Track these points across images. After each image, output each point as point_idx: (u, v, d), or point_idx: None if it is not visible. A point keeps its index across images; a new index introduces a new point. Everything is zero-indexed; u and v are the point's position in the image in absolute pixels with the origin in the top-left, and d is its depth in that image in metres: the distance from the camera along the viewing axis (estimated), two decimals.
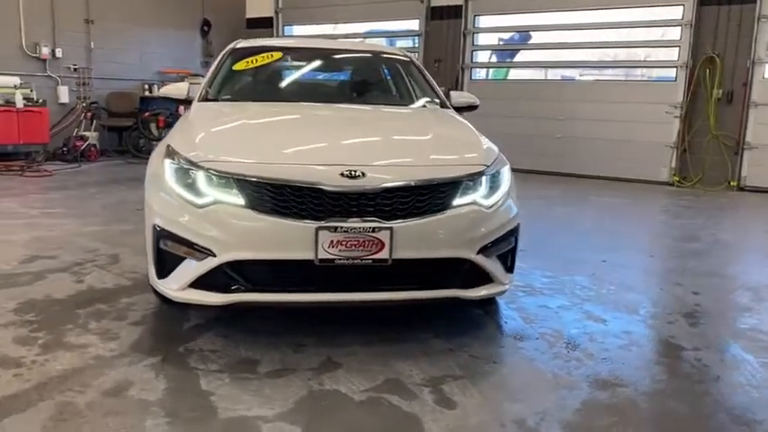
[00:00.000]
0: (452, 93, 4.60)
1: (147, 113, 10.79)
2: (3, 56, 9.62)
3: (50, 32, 10.22)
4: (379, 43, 11.96)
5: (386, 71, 4.76)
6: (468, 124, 3.84)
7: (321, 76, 4.69)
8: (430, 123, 3.78)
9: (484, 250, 3.06)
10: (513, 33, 11.09)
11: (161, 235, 2.97)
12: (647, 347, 3.21)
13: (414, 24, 11.50)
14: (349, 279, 2.89)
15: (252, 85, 4.43)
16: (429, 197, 2.93)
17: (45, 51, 10.13)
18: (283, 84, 4.54)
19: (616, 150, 9.78)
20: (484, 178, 3.13)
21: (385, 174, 2.91)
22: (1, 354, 2.86)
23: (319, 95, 4.33)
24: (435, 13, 11.19)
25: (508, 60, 11.31)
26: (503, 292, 3.26)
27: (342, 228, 2.78)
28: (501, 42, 11.16)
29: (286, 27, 13.11)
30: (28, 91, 9.52)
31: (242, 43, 4.70)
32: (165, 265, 2.99)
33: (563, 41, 10.43)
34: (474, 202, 3.05)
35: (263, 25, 13.14)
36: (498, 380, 2.80)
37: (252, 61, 4.49)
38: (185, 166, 2.96)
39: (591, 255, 4.99)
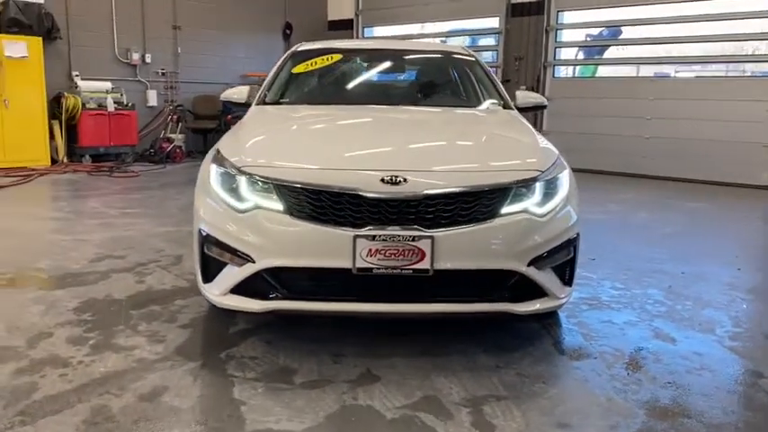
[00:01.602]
0: (518, 93, 4.38)
1: (229, 116, 11.08)
2: (97, 62, 10.15)
3: (141, 39, 10.68)
4: (461, 42, 11.78)
5: (448, 71, 4.60)
6: (529, 127, 3.63)
7: (381, 78, 4.59)
8: (486, 126, 3.60)
9: (536, 262, 2.87)
10: (601, 29, 10.59)
11: (206, 240, 2.97)
12: (719, 373, 2.90)
13: (494, 22, 11.22)
14: (388, 290, 2.78)
15: (309, 87, 4.40)
16: (474, 205, 2.77)
17: (135, 57, 10.60)
18: (341, 86, 4.48)
19: (710, 151, 9.13)
20: (538, 185, 2.94)
21: (428, 180, 2.77)
22: (52, 353, 2.94)
23: (377, 97, 4.23)
24: (516, 10, 10.86)
25: (597, 57, 10.80)
26: (558, 307, 3.04)
27: (380, 236, 2.67)
28: (588, 39, 10.69)
29: (366, 29, 13.14)
30: (118, 95, 9.99)
31: (304, 46, 4.69)
32: (210, 269, 2.98)
33: (657, 36, 9.80)
34: (525, 210, 2.86)
35: (345, 27, 13.24)
36: (545, 402, 2.60)
37: (311, 64, 4.47)
38: (230, 171, 2.94)
39: (670, 266, 4.64)
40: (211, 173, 3.04)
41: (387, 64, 4.63)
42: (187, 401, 2.52)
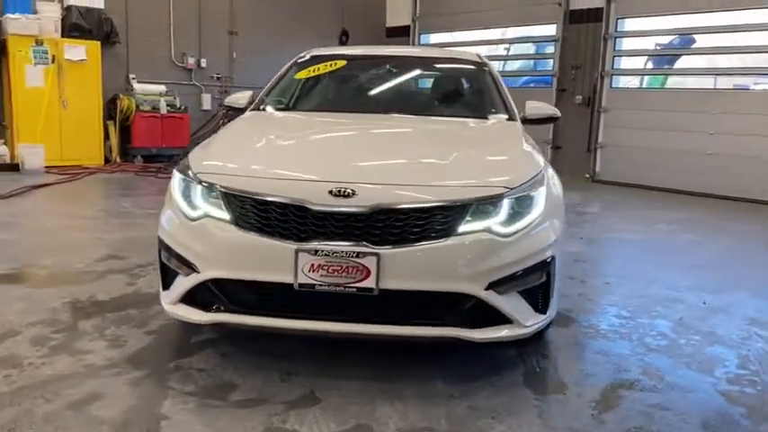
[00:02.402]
0: (528, 103, 4.13)
1: None
2: (154, 65, 10.47)
3: (197, 44, 10.96)
4: (526, 49, 11.47)
5: (454, 80, 4.42)
6: (521, 140, 3.40)
7: (382, 86, 4.44)
8: (469, 139, 3.38)
9: (496, 285, 2.65)
10: (673, 37, 9.95)
11: (161, 247, 2.92)
12: (698, 422, 2.58)
13: (551, 29, 10.84)
14: (332, 308, 2.64)
15: (305, 93, 4.31)
16: (427, 222, 2.59)
17: (191, 61, 10.89)
18: (337, 93, 4.36)
19: None
20: (505, 202, 2.72)
21: (379, 193, 2.61)
22: (11, 353, 2.96)
23: (372, 105, 4.10)
24: (574, 17, 10.46)
25: (666, 67, 10.17)
26: (524, 336, 2.80)
27: (323, 251, 2.54)
28: (658, 47, 10.10)
29: (422, 35, 13.01)
30: (171, 98, 10.27)
31: (314, 52, 4.61)
32: (166, 277, 2.93)
33: (730, 46, 9.11)
34: (487, 229, 2.64)
35: (402, 34, 13.15)
36: None
37: (314, 70, 4.38)
38: (188, 179, 2.89)
39: (692, 294, 4.25)
40: (174, 180, 3.00)
41: (391, 71, 4.48)
42: (112, 412, 2.46)
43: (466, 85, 4.31)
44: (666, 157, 9.34)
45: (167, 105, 10.10)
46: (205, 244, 2.71)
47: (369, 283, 2.54)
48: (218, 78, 11.28)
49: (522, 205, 2.79)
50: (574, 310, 3.85)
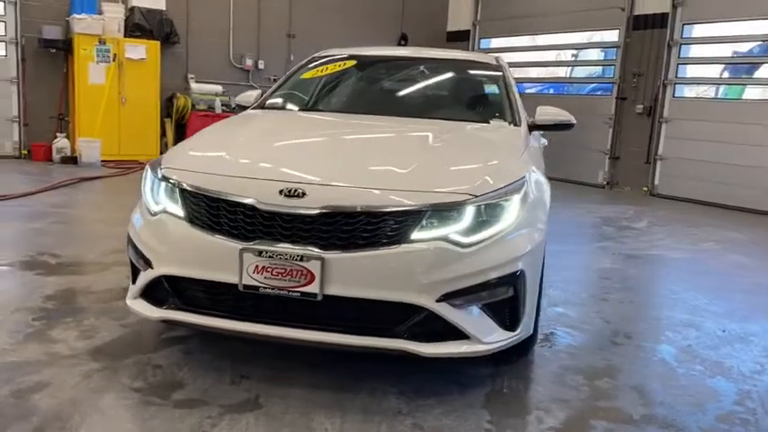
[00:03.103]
0: (539, 109, 3.93)
1: None
2: (212, 66, 10.74)
3: (255, 46, 11.17)
4: (595, 55, 11.07)
5: (460, 83, 4.25)
6: (511, 147, 3.21)
7: (383, 87, 4.33)
8: (451, 143, 3.22)
9: (451, 297, 2.49)
10: (757, 44, 9.28)
11: (128, 242, 2.93)
12: None
13: (613, 35, 10.38)
14: (277, 312, 2.55)
15: (307, 93, 4.25)
16: (377, 227, 2.47)
17: (249, 62, 11.10)
18: (338, 93, 4.28)
19: None
20: (469, 210, 2.56)
21: (329, 195, 2.51)
22: None
23: (369, 106, 3.99)
24: (638, 23, 9.96)
25: (744, 76, 9.50)
26: (481, 353, 2.61)
27: (267, 252, 2.46)
28: (735, 54, 9.47)
29: (482, 40, 12.76)
30: (227, 98, 10.48)
31: (325, 52, 4.56)
32: (133, 272, 2.93)
33: None
34: (444, 238, 2.49)
35: (463, 38, 12.96)
36: None
37: (321, 70, 4.33)
38: (156, 174, 2.88)
39: (714, 321, 3.91)
40: (145, 175, 2.99)
41: (398, 73, 4.37)
42: (51, 403, 2.47)
43: (473, 89, 4.16)
44: (731, 172, 8.73)
45: (222, 105, 10.32)
46: (160, 239, 2.69)
47: (312, 288, 2.45)
48: (274, 80, 11.41)
49: (490, 214, 2.62)
50: (576, 327, 3.61)
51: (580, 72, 11.76)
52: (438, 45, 12.97)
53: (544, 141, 4.77)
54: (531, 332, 2.90)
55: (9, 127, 9.34)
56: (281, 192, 2.51)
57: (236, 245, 2.50)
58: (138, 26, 9.74)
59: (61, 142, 9.30)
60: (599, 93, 10.97)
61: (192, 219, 2.63)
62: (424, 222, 2.49)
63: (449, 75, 4.35)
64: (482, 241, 2.56)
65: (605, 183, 10.38)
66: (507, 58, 12.51)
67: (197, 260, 2.60)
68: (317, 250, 2.45)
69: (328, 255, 2.44)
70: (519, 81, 12.35)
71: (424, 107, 4.00)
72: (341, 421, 2.45)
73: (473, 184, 2.63)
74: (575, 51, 11.69)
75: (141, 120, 9.80)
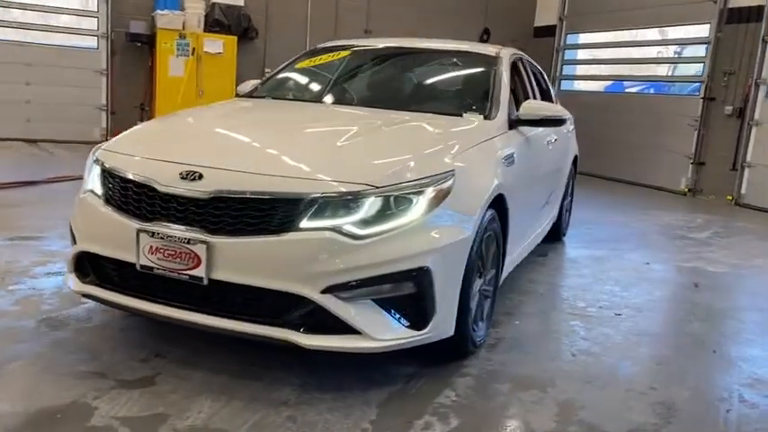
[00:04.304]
0: (525, 104, 3.74)
1: None
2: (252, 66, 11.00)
3: (332, 40, 11.32)
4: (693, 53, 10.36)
5: (445, 75, 4.11)
6: (459, 141, 3.05)
7: (366, 77, 4.23)
8: (388, 133, 3.11)
9: (338, 290, 2.42)
10: None
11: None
12: None
13: (704, 30, 9.58)
14: (171, 293, 2.59)
15: (294, 83, 4.26)
16: (266, 214, 2.44)
17: None
18: (319, 83, 4.23)
19: None
20: (368, 201, 2.47)
21: (224, 179, 2.51)
22: None
23: (342, 96, 3.96)
24: (732, 16, 9.13)
25: None
26: (372, 351, 2.51)
27: (159, 233, 2.51)
28: None
29: (569, 35, 12.21)
30: None
31: (327, 43, 4.57)
32: None
33: None
34: (335, 228, 2.43)
35: (551, 34, 12.47)
36: None
37: (316, 60, 4.33)
38: (92, 155, 3.00)
39: (730, 347, 3.52)
40: (89, 157, 3.12)
41: (387, 64, 4.28)
42: None
43: (458, 81, 4.00)
44: None
45: None
46: (83, 217, 2.83)
47: (199, 272, 2.46)
48: None
49: (397, 206, 2.52)
50: (530, 336, 3.39)
51: (664, 70, 10.98)
52: (524, 41, 12.60)
53: (552, 137, 4.47)
54: (452, 334, 2.75)
55: (98, 115, 10.08)
56: (180, 174, 2.54)
57: (133, 225, 2.57)
58: (216, 21, 10.18)
59: None
60: (685, 92, 10.19)
61: (107, 198, 2.73)
62: (315, 211, 2.43)
63: (437, 66, 4.22)
64: (380, 234, 2.46)
65: (687, 189, 9.61)
66: (593, 54, 12.08)
67: (107, 239, 2.69)
68: (203, 234, 2.46)
69: (214, 239, 2.44)
70: (597, 79, 11.85)
71: (398, 98, 3.89)
72: (220, 406, 2.45)
73: (378, 176, 2.54)
74: (661, 48, 10.95)
75: None
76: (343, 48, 4.40)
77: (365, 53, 4.35)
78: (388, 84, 4.16)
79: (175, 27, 9.80)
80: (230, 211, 2.46)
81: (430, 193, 2.59)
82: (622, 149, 10.50)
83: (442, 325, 2.67)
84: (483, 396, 2.70)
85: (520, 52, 4.72)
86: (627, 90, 11.44)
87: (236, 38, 10.24)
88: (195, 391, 2.54)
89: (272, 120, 3.48)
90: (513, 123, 3.67)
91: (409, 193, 2.55)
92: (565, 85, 12.38)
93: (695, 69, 9.98)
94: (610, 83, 11.81)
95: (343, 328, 2.47)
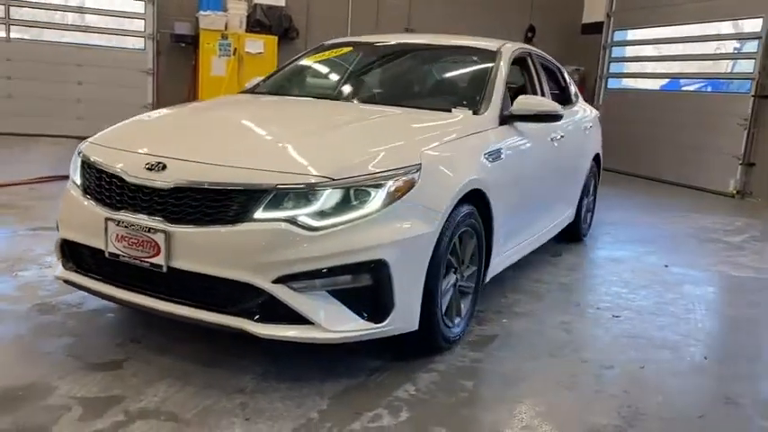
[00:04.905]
0: (520, 98, 3.67)
1: None
2: None
3: None
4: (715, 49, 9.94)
5: (442, 70, 4.08)
6: (434, 136, 3.05)
7: (362, 73, 4.23)
8: (364, 128, 3.13)
9: (291, 280, 2.45)
10: None
11: None
12: None
13: (755, 24, 9.13)
14: (136, 280, 2.67)
15: (292, 79, 4.30)
16: (222, 204, 2.50)
17: None
18: (315, 79, 4.27)
19: None
20: (325, 193, 2.50)
21: (184, 170, 2.58)
22: None
23: (336, 92, 3.99)
24: None
25: None
26: (326, 342, 2.53)
27: (123, 222, 2.60)
28: None
29: (617, 32, 11.85)
30: None
31: (333, 40, 4.61)
32: None
33: None
34: (290, 219, 2.46)
35: (598, 31, 12.15)
36: None
37: (319, 56, 4.38)
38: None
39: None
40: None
41: (384, 60, 4.28)
42: None
43: (453, 77, 3.98)
44: None
45: None
46: (65, 206, 2.96)
47: (159, 260, 2.54)
48: None
49: (356, 199, 2.54)
50: (516, 332, 3.33)
51: (710, 66, 10.52)
52: (570, 38, 12.35)
53: (558, 134, 4.36)
54: (416, 328, 2.74)
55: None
56: (145, 165, 2.63)
57: (102, 213, 2.67)
58: (258, 22, 10.40)
59: None
60: (734, 90, 9.74)
61: (85, 188, 2.85)
62: (271, 202, 2.47)
63: (436, 62, 4.20)
64: (336, 226, 2.48)
65: (735, 192, 9.18)
66: (641, 51, 11.69)
67: (82, 227, 2.81)
68: (163, 223, 2.53)
69: (172, 228, 2.52)
70: (646, 77, 11.43)
71: (391, 94, 3.89)
72: (175, 390, 2.52)
73: (336, 168, 2.56)
74: (713, 44, 10.51)
75: None
76: (348, 44, 4.43)
77: (367, 50, 4.37)
78: (383, 80, 4.17)
79: (218, 28, 10.06)
80: (189, 202, 2.53)
81: (390, 186, 2.59)
82: (668, 149, 10.12)
83: (403, 319, 2.67)
84: (444, 392, 2.67)
85: (529, 47, 4.63)
86: (683, 88, 11.02)
87: (276, 38, 10.43)
88: (157, 376, 2.62)
89: (251, 114, 3.54)
90: (507, 119, 3.61)
91: (368, 186, 2.56)
92: (612, 83, 12.02)
93: (746, 66, 9.52)
94: (666, 81, 11.39)
95: (299, 319, 2.50)
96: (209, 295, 2.57)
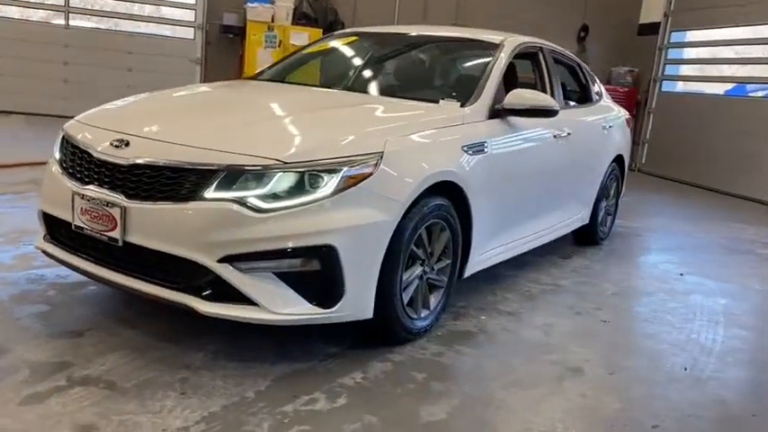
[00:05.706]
0: (513, 91, 3.58)
1: None
2: None
3: None
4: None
5: (440, 62, 4.03)
6: (404, 125, 3.01)
7: (357, 63, 4.19)
8: (334, 115, 3.13)
9: (236, 260, 2.48)
10: None
11: None
12: None
13: None
14: (99, 253, 2.76)
15: (293, 66, 4.33)
16: (174, 182, 2.55)
17: None
18: (315, 67, 4.29)
19: None
20: (276, 175, 2.51)
21: (144, 148, 2.64)
22: None
23: (334, 80, 3.98)
24: None
25: None
26: (268, 323, 2.54)
27: (86, 196, 2.69)
28: None
29: (674, 32, 11.38)
30: None
31: (342, 31, 4.64)
32: None
33: None
34: (239, 200, 2.48)
35: (656, 31, 11.71)
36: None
37: (323, 45, 4.41)
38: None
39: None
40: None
41: (385, 51, 4.25)
42: None
43: (448, 69, 3.91)
44: None
45: None
46: (45, 180, 3.07)
47: (115, 233, 2.61)
48: None
49: (309, 183, 2.54)
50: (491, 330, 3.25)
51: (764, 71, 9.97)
52: (625, 38, 11.96)
53: (564, 131, 4.22)
54: (370, 317, 2.72)
55: None
56: (111, 142, 2.70)
57: (71, 187, 2.77)
58: (304, 15, 10.53)
59: None
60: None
61: (61, 163, 2.96)
62: (221, 182, 2.50)
63: (435, 54, 4.15)
64: (285, 209, 2.49)
65: None
66: (699, 53, 11.19)
67: (56, 200, 2.91)
68: (120, 198, 2.60)
69: (128, 203, 2.58)
70: (702, 80, 10.91)
71: (383, 85, 3.90)
72: (124, 362, 2.59)
73: (288, 152, 2.56)
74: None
75: None
76: (356, 34, 4.43)
77: (373, 40, 4.36)
78: (379, 70, 4.15)
79: (264, 19, 10.23)
80: (146, 179, 2.59)
81: (345, 172, 2.57)
82: (721, 156, 9.65)
83: (355, 306, 2.65)
84: (392, 382, 2.64)
85: (542, 42, 4.50)
86: (749, 94, 10.47)
87: (321, 30, 10.50)
88: (111, 348, 2.69)
89: (231, 99, 3.59)
90: (498, 113, 3.53)
91: (321, 171, 2.55)
92: (666, 86, 11.56)
93: None
94: (731, 86, 10.86)
95: (246, 299, 2.52)
96: (162, 271, 2.62)
